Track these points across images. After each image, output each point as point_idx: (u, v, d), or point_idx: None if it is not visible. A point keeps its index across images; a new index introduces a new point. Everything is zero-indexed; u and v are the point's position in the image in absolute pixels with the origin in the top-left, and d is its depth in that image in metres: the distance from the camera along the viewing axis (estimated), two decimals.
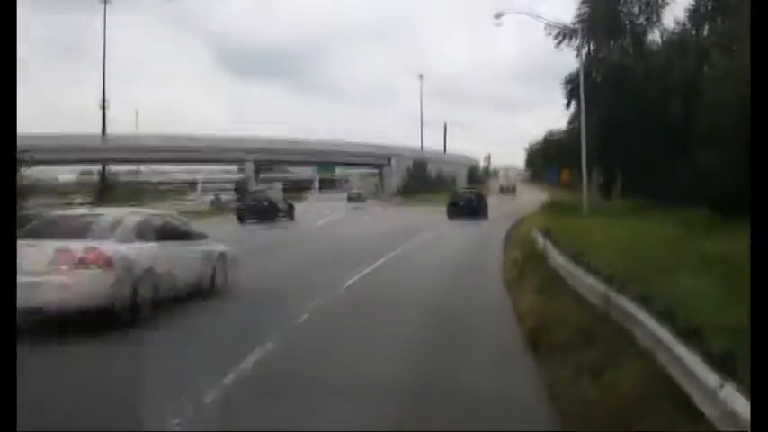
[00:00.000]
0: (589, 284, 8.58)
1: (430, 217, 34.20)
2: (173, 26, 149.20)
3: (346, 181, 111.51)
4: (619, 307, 7.05)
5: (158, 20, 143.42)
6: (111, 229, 9.34)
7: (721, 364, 4.55)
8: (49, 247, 8.54)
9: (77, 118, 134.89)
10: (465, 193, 42.64)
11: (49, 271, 8.26)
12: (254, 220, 33.70)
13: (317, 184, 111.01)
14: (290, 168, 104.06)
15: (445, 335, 8.47)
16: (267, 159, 76.77)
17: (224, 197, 62.86)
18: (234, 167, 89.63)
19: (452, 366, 6.89)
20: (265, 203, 36.36)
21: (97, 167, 75.30)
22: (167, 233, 10.38)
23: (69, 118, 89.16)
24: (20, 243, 7.44)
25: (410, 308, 10.17)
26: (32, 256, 8.18)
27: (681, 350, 5.12)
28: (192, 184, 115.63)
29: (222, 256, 11.68)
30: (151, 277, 9.24)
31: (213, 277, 11.26)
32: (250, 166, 68.77)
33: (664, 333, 5.61)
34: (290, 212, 37.10)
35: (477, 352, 7.54)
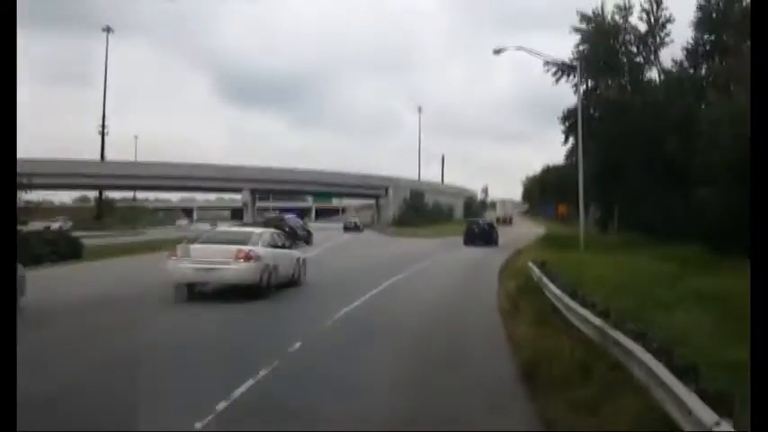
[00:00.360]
0: (585, 318, 8.56)
1: (426, 247, 34.17)
2: (175, 54, 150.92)
3: (343, 210, 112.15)
4: (615, 342, 7.04)
5: (161, 48, 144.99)
6: (257, 240, 15.21)
7: (717, 402, 4.53)
8: (225, 247, 14.35)
9: (77, 143, 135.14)
10: (479, 222, 46.77)
11: (226, 261, 13.92)
12: None
13: (313, 213, 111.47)
14: (288, 197, 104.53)
15: (439, 366, 8.44)
16: (264, 188, 77.03)
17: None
18: (229, 195, 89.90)
19: (445, 397, 6.83)
20: (287, 229, 36.73)
21: (94, 193, 75.91)
22: (277, 244, 16.15)
23: (69, 143, 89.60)
24: (201, 245, 14.89)
25: (406, 335, 10.44)
26: (212, 252, 14.19)
27: (677, 387, 5.11)
28: (187, 211, 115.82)
29: (302, 260, 17.73)
30: (273, 269, 14.81)
31: (297, 273, 16.93)
32: (247, 194, 68.82)
33: (660, 369, 5.59)
34: (308, 238, 39.27)
35: (472, 384, 7.48)
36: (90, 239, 32.77)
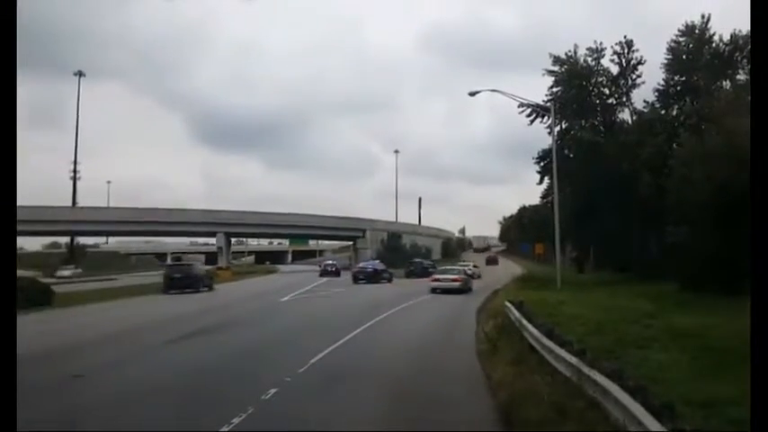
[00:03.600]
0: (562, 358, 8.59)
1: (404, 290, 34.06)
2: (149, 98, 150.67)
3: (320, 252, 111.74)
4: (592, 381, 7.06)
5: (134, 91, 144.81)
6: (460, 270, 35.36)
7: None
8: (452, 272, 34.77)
9: (48, 189, 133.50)
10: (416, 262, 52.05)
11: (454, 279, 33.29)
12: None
13: (289, 256, 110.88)
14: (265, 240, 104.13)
15: (418, 407, 8.43)
16: (239, 232, 76.64)
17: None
18: (203, 240, 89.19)
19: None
20: None
21: (65, 239, 75.27)
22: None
23: (39, 189, 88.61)
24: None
25: (384, 377, 10.52)
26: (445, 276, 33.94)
27: (654, 425, 5.13)
28: (160, 256, 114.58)
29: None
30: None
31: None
32: (221, 238, 68.33)
33: (636, 408, 5.62)
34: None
35: (450, 426, 7.43)
36: (60, 286, 32.31)
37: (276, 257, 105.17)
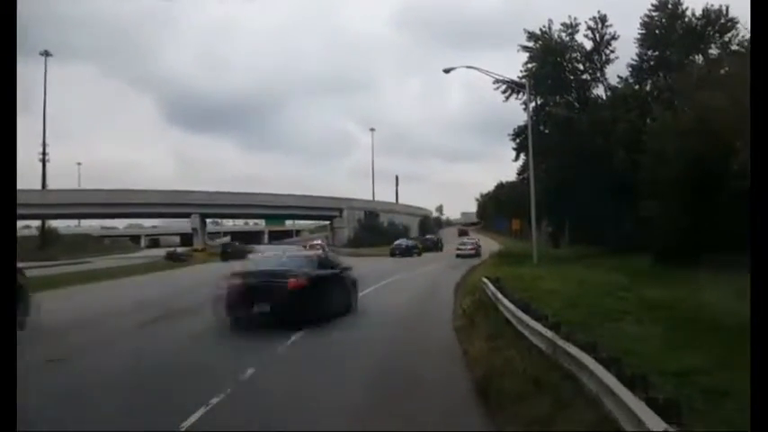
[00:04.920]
0: (538, 332, 8.70)
1: (382, 268, 34.23)
2: (119, 79, 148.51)
3: (297, 232, 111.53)
4: (566, 354, 7.17)
5: (104, 72, 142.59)
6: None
7: (665, 410, 4.66)
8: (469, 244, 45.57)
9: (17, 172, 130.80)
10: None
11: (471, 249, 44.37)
12: None
13: (266, 236, 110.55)
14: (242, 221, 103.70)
15: (393, 382, 8.57)
16: (214, 213, 76.26)
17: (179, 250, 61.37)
18: (178, 221, 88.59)
19: (400, 417, 6.83)
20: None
21: (36, 222, 74.18)
22: None
23: None
24: None
25: (365, 352, 10.81)
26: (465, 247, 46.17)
27: (627, 396, 5.23)
28: (134, 238, 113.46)
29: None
30: None
31: None
32: (196, 219, 67.91)
33: (610, 380, 5.72)
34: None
35: (426, 401, 7.51)
36: (33, 270, 31.83)
37: (252, 238, 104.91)
